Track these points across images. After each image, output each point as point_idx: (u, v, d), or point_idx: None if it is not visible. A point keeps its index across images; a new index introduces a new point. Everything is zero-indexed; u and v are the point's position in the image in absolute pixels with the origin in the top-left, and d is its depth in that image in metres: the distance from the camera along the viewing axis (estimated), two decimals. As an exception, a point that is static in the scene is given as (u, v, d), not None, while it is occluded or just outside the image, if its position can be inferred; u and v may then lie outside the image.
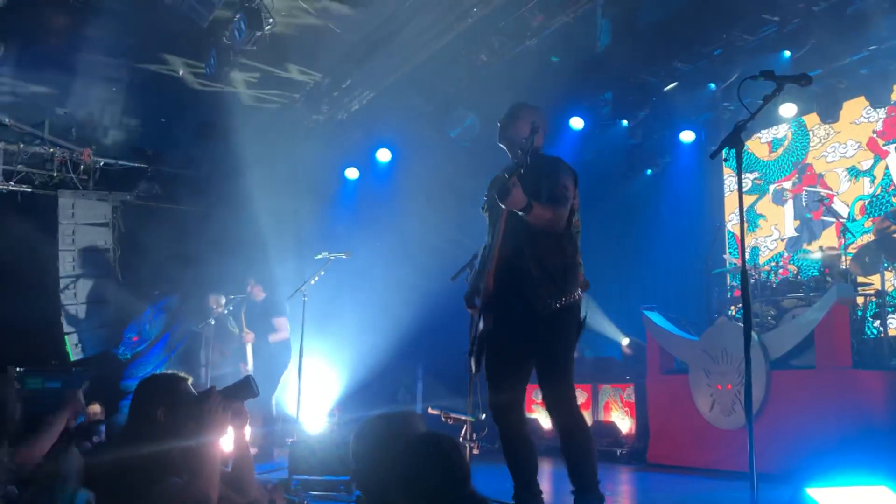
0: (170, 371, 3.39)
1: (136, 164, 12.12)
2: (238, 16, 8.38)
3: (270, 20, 8.29)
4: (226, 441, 3.27)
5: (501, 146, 4.29)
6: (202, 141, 11.53)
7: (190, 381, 3.27)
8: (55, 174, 11.48)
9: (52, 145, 11.36)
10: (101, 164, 11.80)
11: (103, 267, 11.80)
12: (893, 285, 8.42)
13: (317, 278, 7.68)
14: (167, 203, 12.24)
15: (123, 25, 9.16)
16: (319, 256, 7.64)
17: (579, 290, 3.99)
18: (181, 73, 10.32)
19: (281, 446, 8.45)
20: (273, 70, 10.26)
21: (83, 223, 11.70)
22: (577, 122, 10.97)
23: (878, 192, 9.64)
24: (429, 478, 2.10)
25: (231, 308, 9.36)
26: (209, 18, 8.36)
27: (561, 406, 3.92)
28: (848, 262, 8.05)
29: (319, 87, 10.88)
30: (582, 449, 3.92)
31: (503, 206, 3.79)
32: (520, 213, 3.80)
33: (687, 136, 11.00)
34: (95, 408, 9.40)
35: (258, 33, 8.24)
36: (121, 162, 12.00)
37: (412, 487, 2.13)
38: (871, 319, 8.14)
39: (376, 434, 2.40)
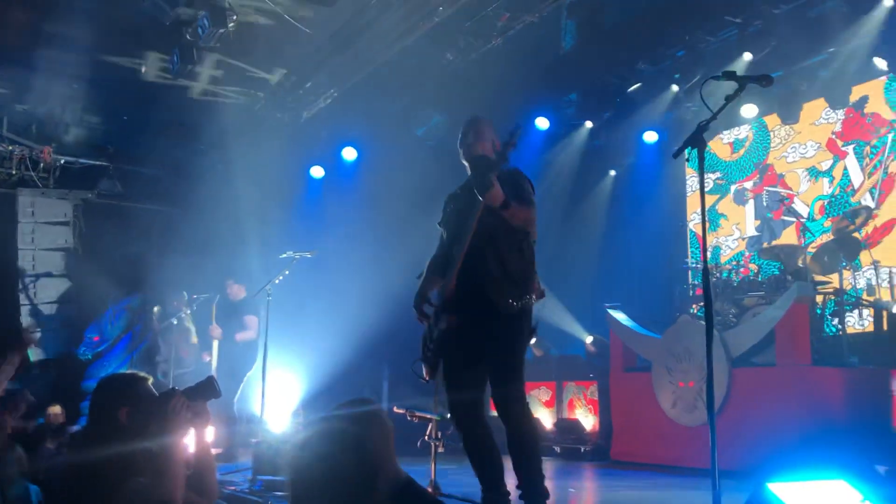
0: (130, 371, 3.33)
1: (98, 162, 11.94)
2: (202, 13, 8.28)
3: (234, 17, 8.20)
4: (188, 442, 3.23)
5: (462, 158, 4.28)
6: (165, 139, 11.38)
7: (150, 381, 3.22)
8: (14, 172, 11.28)
9: (11, 143, 11.16)
10: (62, 161, 11.61)
11: (64, 266, 11.61)
12: (852, 284, 8.55)
13: (281, 277, 7.61)
14: (129, 201, 12.07)
15: (85, 21, 9.00)
16: (284, 255, 7.57)
17: (534, 296, 4.03)
18: (144, 69, 10.17)
19: (245, 447, 8.36)
20: (237, 67, 10.15)
21: (43, 222, 11.51)
22: (542, 123, 11.01)
23: (837, 192, 9.79)
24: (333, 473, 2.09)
25: (194, 307, 9.25)
26: (172, 15, 8.26)
27: (512, 405, 3.95)
28: (808, 261, 8.16)
29: (284, 84, 10.78)
30: (529, 447, 3.96)
31: (482, 200, 3.80)
32: (498, 207, 3.82)
33: (650, 137, 11.08)
34: (56, 409, 9.24)
35: (221, 30, 8.14)
36: (82, 160, 11.81)
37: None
38: (829, 317, 8.26)
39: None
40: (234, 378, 8.62)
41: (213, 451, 7.72)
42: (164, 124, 11.23)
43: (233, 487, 6.09)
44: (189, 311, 9.39)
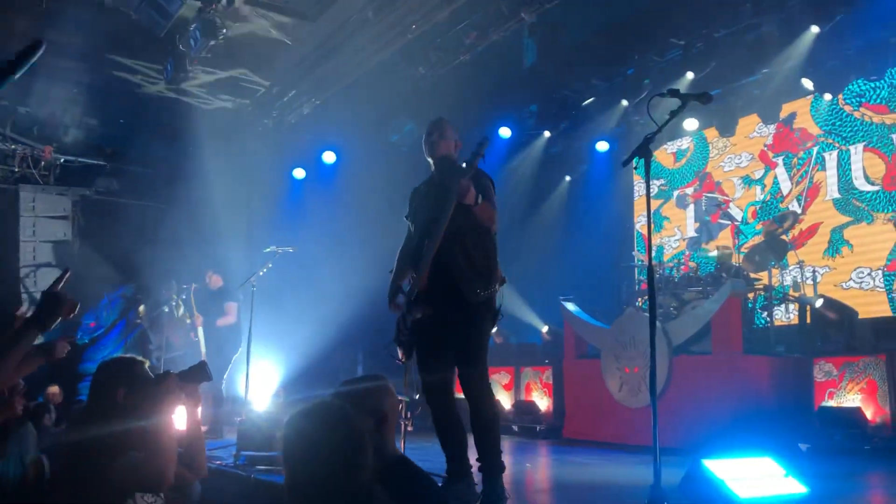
0: (129, 355, 3.29)
1: (95, 162, 11.76)
2: (194, 25, 8.19)
3: (224, 30, 8.13)
4: (179, 421, 3.20)
5: (426, 155, 4.29)
6: (158, 141, 11.25)
7: (146, 365, 3.19)
8: (17, 170, 11.09)
9: (14, 142, 10.96)
10: (62, 160, 11.43)
11: (63, 257, 11.41)
12: (780, 281, 8.68)
13: (265, 270, 7.55)
14: (124, 198, 11.90)
15: (85, 31, 8.87)
16: (268, 250, 7.52)
17: (498, 285, 4.06)
18: (139, 77, 10.04)
19: (231, 425, 8.30)
20: (226, 76, 10.06)
21: (43, 216, 11.31)
22: (505, 132, 11.04)
23: (768, 198, 9.93)
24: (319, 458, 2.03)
25: (184, 297, 9.16)
26: (166, 27, 8.16)
27: (475, 386, 3.97)
28: (741, 260, 8.26)
29: (270, 93, 10.71)
30: (489, 425, 3.98)
31: (458, 198, 3.82)
32: (472, 206, 3.86)
33: (602, 146, 11.16)
34: (54, 389, 9.12)
35: (212, 42, 8.07)
36: (80, 159, 11.63)
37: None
38: (759, 311, 8.37)
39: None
40: (222, 361, 8.55)
41: (203, 428, 7.68)
42: (158, 127, 11.09)
43: (219, 462, 6.04)
44: (180, 299, 9.29)
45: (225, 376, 8.63)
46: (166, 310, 9.36)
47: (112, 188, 11.76)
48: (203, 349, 8.73)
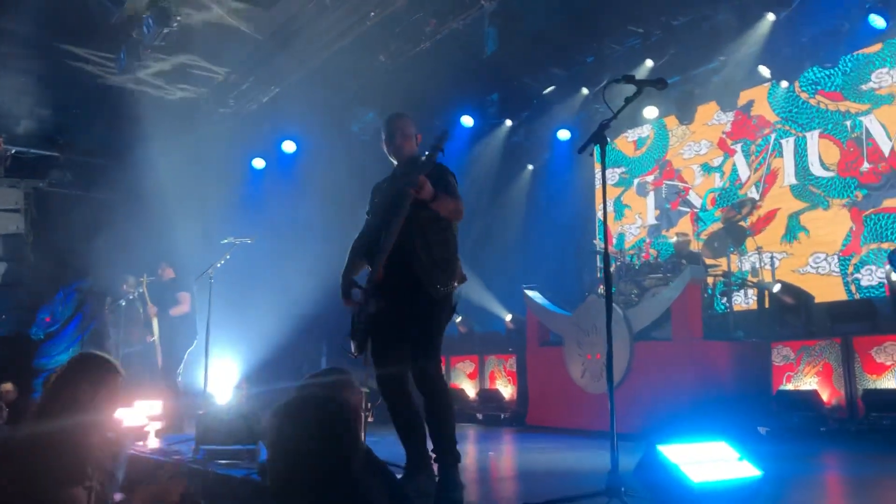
0: (98, 353, 3.24)
1: (48, 153, 11.49)
2: (147, 13, 8.02)
3: (178, 18, 7.97)
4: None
5: (390, 156, 4.24)
6: (113, 131, 11.02)
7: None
8: (-34, 162, 10.80)
9: (-37, 134, 10.67)
10: (13, 151, 11.14)
11: (16, 251, 11.17)
12: (738, 267, 8.79)
13: (222, 261, 7.45)
14: (79, 190, 11.66)
15: (36, 18, 8.64)
16: (225, 241, 7.41)
17: (457, 281, 4.04)
18: (92, 66, 9.82)
19: (190, 418, 8.19)
20: (182, 65, 9.88)
21: (-5, 209, 11.06)
22: (467, 120, 11.01)
23: (727, 185, 10.04)
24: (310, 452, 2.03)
25: (141, 290, 9.01)
26: (117, 14, 7.99)
27: (429, 378, 3.95)
28: (700, 246, 8.35)
29: (226, 81, 10.54)
30: (443, 415, 3.96)
31: (418, 196, 3.78)
32: (430, 203, 3.82)
33: (563, 135, 11.19)
34: (8, 386, 8.92)
35: (166, 30, 7.91)
36: (33, 150, 11.35)
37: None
38: (719, 297, 8.48)
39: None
40: (175, 354, 8.44)
41: (161, 422, 7.56)
42: (113, 118, 10.84)
43: (178, 456, 5.96)
44: (137, 293, 9.14)
45: (180, 369, 8.51)
46: (123, 304, 9.19)
47: (66, 180, 11.51)
48: (157, 343, 8.61)
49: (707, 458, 3.23)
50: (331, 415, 2.08)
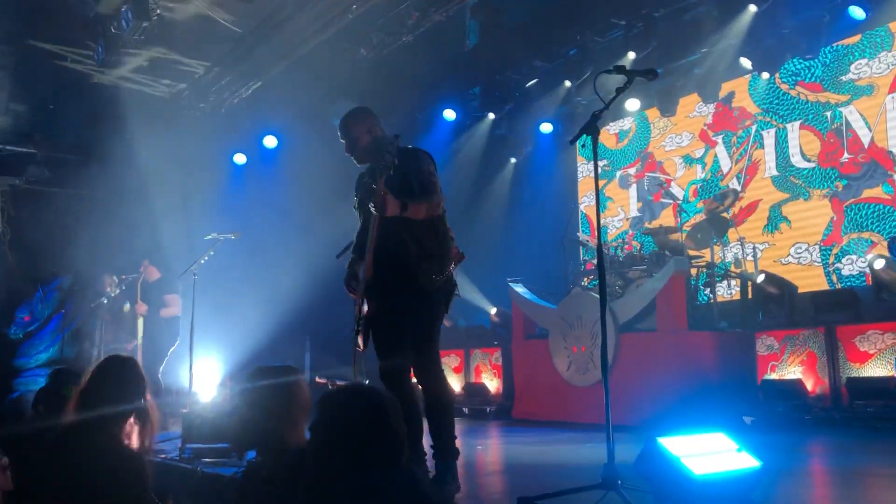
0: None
1: (25, 150, 11.25)
2: (125, 6, 7.87)
3: (157, 11, 7.83)
4: None
5: (353, 159, 4.15)
6: (90, 127, 10.82)
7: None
8: (-60, 159, 10.56)
9: (-64, 130, 10.44)
10: (-11, 148, 10.92)
11: (-7, 249, 10.95)
12: (721, 258, 8.81)
13: (206, 258, 7.33)
14: (57, 187, 11.42)
15: (9, 11, 8.45)
16: (209, 237, 7.29)
17: (452, 265, 3.98)
18: (69, 61, 9.63)
19: (175, 416, 8.08)
20: (161, 59, 9.72)
21: (-30, 207, 10.82)
22: (449, 114, 10.97)
23: (709, 177, 10.06)
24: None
25: (123, 288, 8.86)
26: (96, 7, 7.83)
27: (428, 371, 3.93)
28: (683, 237, 8.35)
29: (206, 76, 10.39)
30: (442, 410, 3.93)
31: (380, 215, 3.72)
32: (400, 214, 3.78)
33: (546, 128, 11.17)
34: None
35: (145, 23, 7.76)
36: (9, 147, 11.11)
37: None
38: (702, 288, 8.49)
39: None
40: (158, 353, 8.33)
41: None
42: (90, 113, 10.65)
43: (163, 455, 5.86)
44: (118, 291, 9.00)
45: (161, 368, 8.40)
46: (105, 302, 9.04)
47: (43, 177, 11.27)
48: (140, 341, 8.49)
49: (707, 450, 3.20)
50: (386, 405, 2.19)
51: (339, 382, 5.47)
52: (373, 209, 3.73)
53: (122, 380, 3.19)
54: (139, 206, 10.22)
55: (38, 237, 10.61)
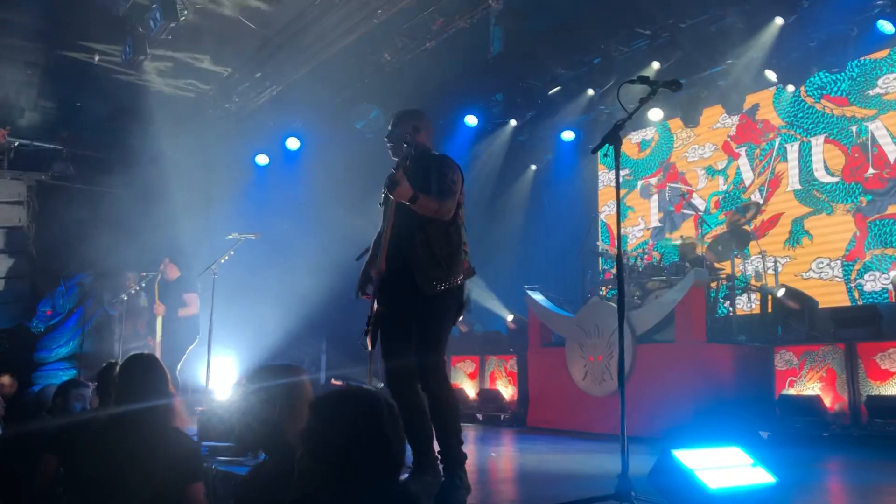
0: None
1: (51, 146, 11.41)
2: (153, 6, 7.95)
3: (185, 11, 7.90)
4: None
5: (388, 149, 4.22)
6: (116, 124, 10.95)
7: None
8: (-31, 154, 10.72)
9: (-33, 126, 10.60)
10: (16, 144, 11.08)
11: (18, 244, 11.10)
12: (742, 270, 8.75)
13: (226, 257, 7.39)
14: (81, 183, 11.57)
15: (40, 10, 8.59)
16: (230, 237, 7.35)
17: (462, 276, 3.97)
18: (97, 59, 9.75)
19: (191, 415, 8.13)
20: (187, 60, 9.82)
21: (-3, 201, 10.98)
22: (471, 120, 10.97)
23: (731, 189, 9.99)
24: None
25: (143, 285, 8.94)
26: (125, 7, 7.92)
27: (430, 376, 3.90)
28: (704, 249, 8.30)
29: (231, 78, 10.48)
30: (447, 415, 3.91)
31: (392, 197, 3.77)
32: (407, 203, 3.78)
33: (568, 136, 11.14)
34: (5, 379, 8.85)
35: (172, 24, 7.84)
36: (36, 143, 11.27)
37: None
38: (722, 300, 8.42)
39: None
40: (177, 351, 8.38)
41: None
42: (116, 111, 10.80)
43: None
44: (139, 288, 9.08)
45: (179, 366, 8.46)
46: (125, 298, 9.13)
47: (68, 173, 11.41)
48: (158, 340, 8.55)
49: (722, 464, 3.17)
50: (380, 409, 2.01)
51: (352, 384, 5.48)
52: (385, 190, 3.77)
53: (148, 377, 3.28)
54: (162, 204, 10.32)
55: (61, 232, 10.76)
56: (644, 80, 3.82)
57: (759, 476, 3.25)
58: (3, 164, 11.07)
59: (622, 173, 11.32)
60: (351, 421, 1.96)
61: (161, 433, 3.07)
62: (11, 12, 8.58)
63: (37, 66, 10.06)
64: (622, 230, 11.14)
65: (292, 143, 11.44)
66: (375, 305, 4.00)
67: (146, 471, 2.88)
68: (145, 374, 3.28)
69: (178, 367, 8.47)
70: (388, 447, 1.97)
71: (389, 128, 4.21)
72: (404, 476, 3.79)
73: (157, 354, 8.56)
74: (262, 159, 11.86)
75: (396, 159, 4.05)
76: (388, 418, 1.99)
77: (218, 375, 8.85)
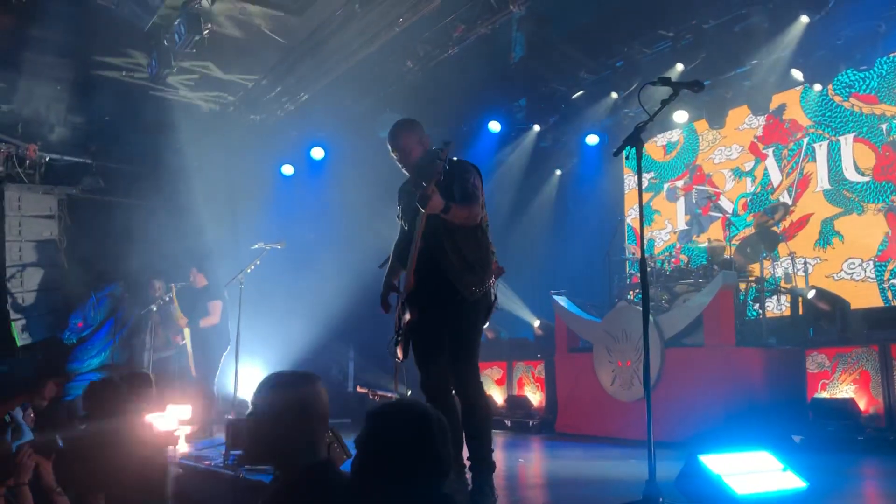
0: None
1: (81, 160, 11.58)
2: (178, 20, 8.06)
3: (209, 25, 8.00)
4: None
5: (401, 167, 4.19)
6: (144, 138, 11.10)
7: None
8: (1, 168, 10.88)
9: (-1, 141, 10.80)
10: (47, 158, 11.24)
11: (50, 257, 11.25)
12: (771, 272, 8.64)
13: (252, 267, 7.44)
14: (111, 196, 11.72)
15: (67, 27, 8.74)
16: (255, 247, 7.41)
17: (493, 278, 3.98)
18: (124, 73, 9.91)
19: (220, 423, 8.20)
20: (212, 73, 9.94)
21: (29, 215, 11.12)
22: (494, 126, 10.96)
23: (758, 190, 9.88)
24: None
25: (170, 295, 9.04)
26: (150, 22, 8.04)
27: (467, 383, 3.91)
28: (732, 252, 8.21)
29: (256, 89, 10.58)
30: (480, 422, 3.92)
31: (423, 211, 3.75)
32: (441, 214, 3.78)
33: (592, 140, 11.09)
34: (51, 386, 8.98)
35: (197, 37, 7.93)
36: (66, 157, 11.45)
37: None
38: (751, 303, 8.33)
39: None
40: (209, 360, 8.46)
41: (191, 427, 7.61)
42: (144, 125, 10.94)
43: (208, 462, 5.95)
44: (167, 297, 9.18)
45: (217, 374, 8.54)
46: (154, 309, 9.23)
47: (98, 186, 11.58)
48: (190, 350, 8.63)
49: (750, 469, 3.13)
50: (432, 426, 2.14)
51: (380, 392, 5.49)
52: (418, 204, 3.75)
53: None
54: (189, 215, 10.44)
55: (92, 245, 10.92)
56: (665, 81, 3.80)
57: (790, 481, 3.20)
58: (35, 179, 11.24)
59: (648, 176, 11.25)
60: (404, 433, 2.10)
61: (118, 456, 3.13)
62: (40, 30, 8.73)
63: (65, 82, 10.23)
64: (649, 234, 11.09)
65: (317, 153, 11.52)
66: (407, 316, 4.02)
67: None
68: (104, 400, 3.39)
69: (216, 376, 8.56)
70: (436, 459, 2.10)
71: (393, 147, 4.13)
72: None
73: (190, 364, 8.69)
74: (287, 169, 11.95)
75: (407, 171, 4.05)
76: (438, 432, 2.12)
77: (246, 384, 8.91)
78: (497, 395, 9.54)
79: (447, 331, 3.92)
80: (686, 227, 10.72)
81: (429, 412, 2.20)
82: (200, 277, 8.91)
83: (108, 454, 3.50)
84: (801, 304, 8.02)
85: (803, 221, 9.29)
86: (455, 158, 4.12)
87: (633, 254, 9.33)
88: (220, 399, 8.90)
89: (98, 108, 10.78)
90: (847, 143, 9.02)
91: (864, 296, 8.46)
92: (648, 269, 8.46)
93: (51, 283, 11.21)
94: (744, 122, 10.07)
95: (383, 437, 2.12)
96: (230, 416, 6.70)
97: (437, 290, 3.90)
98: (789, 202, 9.31)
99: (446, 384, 4.03)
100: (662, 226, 11.07)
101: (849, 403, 6.57)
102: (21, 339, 10.66)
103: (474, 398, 3.90)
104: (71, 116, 11.04)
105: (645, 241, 11.01)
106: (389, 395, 5.40)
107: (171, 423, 7.08)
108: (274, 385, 2.38)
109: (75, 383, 10.27)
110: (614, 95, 10.01)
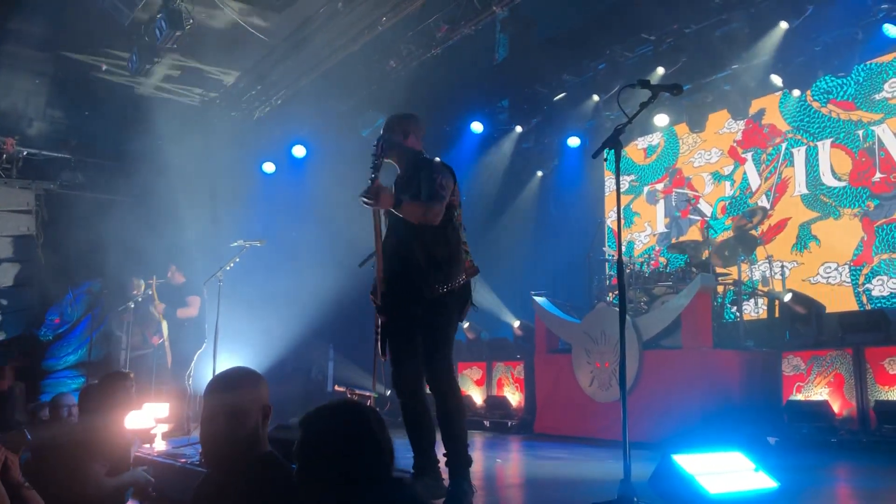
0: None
1: (60, 155, 11.48)
2: (159, 15, 8.02)
3: (190, 21, 7.96)
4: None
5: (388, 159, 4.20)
6: (123, 133, 11.02)
7: None
8: (-23, 163, 10.79)
9: (-25, 135, 10.68)
10: (25, 153, 11.14)
11: (26, 252, 11.15)
12: (748, 276, 8.72)
13: (232, 264, 7.40)
14: (90, 192, 11.64)
15: (47, 20, 8.66)
16: (235, 244, 7.36)
17: (464, 276, 3.97)
18: (104, 68, 9.83)
19: (197, 421, 8.15)
20: (193, 68, 9.88)
21: (6, 210, 11.03)
22: (477, 126, 10.99)
23: (737, 194, 9.97)
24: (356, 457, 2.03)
25: (149, 292, 8.99)
26: (131, 17, 7.98)
27: (437, 378, 3.91)
28: (710, 254, 8.28)
29: (237, 86, 10.54)
30: (454, 418, 3.91)
31: (374, 207, 3.78)
32: (393, 210, 3.81)
33: (573, 142, 11.15)
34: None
35: (178, 33, 7.89)
36: (44, 152, 11.34)
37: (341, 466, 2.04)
38: (729, 305, 8.40)
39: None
40: (184, 356, 8.42)
41: (167, 424, 7.56)
42: (124, 120, 10.85)
43: (184, 460, 5.92)
44: (146, 295, 9.12)
45: (189, 372, 8.48)
46: (132, 306, 9.17)
47: (76, 182, 11.49)
48: (167, 345, 8.58)
49: (723, 469, 3.16)
50: (368, 419, 2.09)
51: (358, 391, 5.49)
52: (364, 200, 3.75)
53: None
54: (168, 212, 10.37)
55: (70, 241, 10.83)
56: (645, 84, 3.83)
57: (761, 481, 3.24)
58: (12, 174, 11.13)
59: (628, 179, 11.32)
60: (341, 430, 2.04)
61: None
62: (20, 22, 8.66)
63: (45, 76, 10.15)
64: (629, 236, 11.15)
65: (298, 151, 11.49)
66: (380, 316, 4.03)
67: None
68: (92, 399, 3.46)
69: (188, 374, 8.50)
70: (379, 451, 2.03)
71: (382, 132, 4.17)
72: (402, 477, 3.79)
73: (168, 359, 8.64)
74: (268, 167, 11.90)
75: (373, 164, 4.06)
76: (376, 423, 2.07)
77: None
78: (476, 395, 9.56)
79: (419, 329, 3.92)
80: (665, 230, 10.79)
81: (361, 405, 2.18)
82: (179, 275, 8.86)
83: (79, 452, 3.53)
84: (777, 307, 8.10)
85: (781, 225, 9.39)
86: (432, 158, 4.12)
87: (613, 255, 9.38)
88: (196, 397, 8.85)
89: (77, 103, 10.70)
90: (824, 148, 9.13)
91: (839, 299, 8.57)
92: (627, 270, 8.57)
93: (27, 278, 11.11)
94: (724, 127, 10.16)
95: (319, 440, 2.06)
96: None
97: (404, 288, 3.91)
98: (767, 206, 9.40)
99: (418, 383, 4.03)
100: (642, 228, 11.14)
101: (823, 406, 6.65)
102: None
103: (447, 393, 3.90)
104: (50, 111, 10.94)
105: (624, 244, 11.09)
106: (367, 393, 5.40)
107: (147, 421, 7.05)
108: (210, 390, 2.40)
109: (51, 380, 10.19)
110: (596, 98, 10.06)
